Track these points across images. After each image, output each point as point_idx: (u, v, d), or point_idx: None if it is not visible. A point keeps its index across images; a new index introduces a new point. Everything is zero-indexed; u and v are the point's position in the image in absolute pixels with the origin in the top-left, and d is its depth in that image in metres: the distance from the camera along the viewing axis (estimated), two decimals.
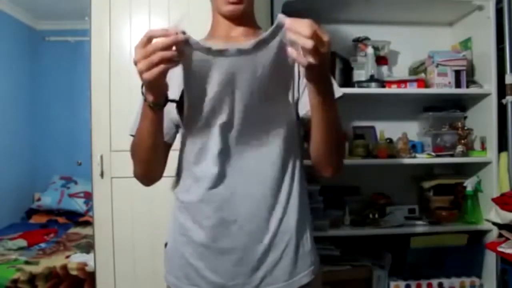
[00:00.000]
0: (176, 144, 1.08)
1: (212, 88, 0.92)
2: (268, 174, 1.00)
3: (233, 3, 1.03)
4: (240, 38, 1.06)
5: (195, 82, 0.92)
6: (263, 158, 1.00)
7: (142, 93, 0.89)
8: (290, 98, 0.99)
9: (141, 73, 0.81)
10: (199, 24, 1.11)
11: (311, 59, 0.75)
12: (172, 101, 0.94)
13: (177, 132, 1.09)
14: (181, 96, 0.96)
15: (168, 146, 1.08)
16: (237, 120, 0.96)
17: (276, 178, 1.00)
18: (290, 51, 0.77)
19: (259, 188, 1.00)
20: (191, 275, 1.03)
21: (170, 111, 1.00)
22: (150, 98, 0.88)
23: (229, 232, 0.99)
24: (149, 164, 1.02)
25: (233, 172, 0.99)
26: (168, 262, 1.10)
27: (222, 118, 0.96)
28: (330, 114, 0.90)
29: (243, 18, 1.08)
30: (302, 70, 0.85)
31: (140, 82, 0.86)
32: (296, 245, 1.02)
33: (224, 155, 0.99)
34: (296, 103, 1.01)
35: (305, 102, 0.96)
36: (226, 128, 0.97)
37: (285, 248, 1.01)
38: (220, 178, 0.99)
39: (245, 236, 0.99)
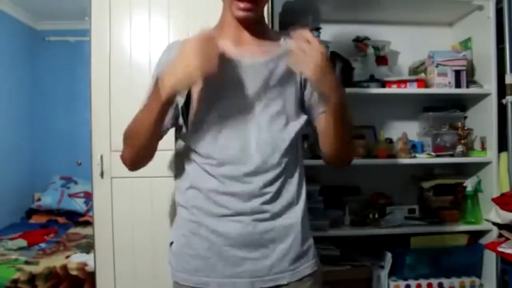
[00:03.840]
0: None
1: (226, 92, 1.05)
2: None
3: (244, 9, 1.06)
4: (250, 42, 1.11)
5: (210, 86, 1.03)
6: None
7: (157, 83, 0.96)
8: (295, 104, 1.10)
9: (200, 67, 0.92)
10: (199, 24, 1.11)
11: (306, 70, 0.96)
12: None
13: (172, 126, 1.13)
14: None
15: (161, 137, 1.12)
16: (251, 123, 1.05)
17: (284, 177, 1.07)
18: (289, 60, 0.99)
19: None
20: (201, 267, 1.05)
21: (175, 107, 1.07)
22: (172, 89, 0.95)
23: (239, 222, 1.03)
24: (142, 150, 1.08)
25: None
26: (176, 260, 1.11)
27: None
28: (343, 115, 1.04)
29: (254, 23, 1.11)
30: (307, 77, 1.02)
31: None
32: (302, 238, 1.09)
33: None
34: (302, 109, 1.12)
35: (315, 106, 1.10)
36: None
37: (293, 239, 1.07)
38: None
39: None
